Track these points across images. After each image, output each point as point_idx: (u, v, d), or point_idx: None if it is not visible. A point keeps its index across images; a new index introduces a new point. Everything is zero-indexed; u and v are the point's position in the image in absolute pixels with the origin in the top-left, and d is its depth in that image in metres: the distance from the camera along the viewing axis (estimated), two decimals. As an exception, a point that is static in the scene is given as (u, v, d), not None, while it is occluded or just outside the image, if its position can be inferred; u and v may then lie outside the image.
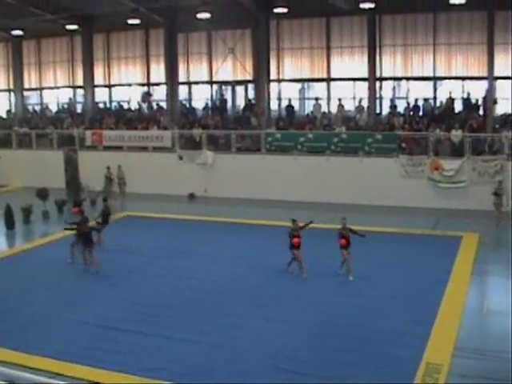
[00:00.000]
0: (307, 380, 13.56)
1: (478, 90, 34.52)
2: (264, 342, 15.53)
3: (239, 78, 40.33)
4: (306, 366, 14.20)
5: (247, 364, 14.33)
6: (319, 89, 39.15)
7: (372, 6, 32.44)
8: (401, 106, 36.18)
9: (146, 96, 43.04)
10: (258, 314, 17.42)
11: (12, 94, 47.68)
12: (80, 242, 22.13)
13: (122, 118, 41.55)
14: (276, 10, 35.24)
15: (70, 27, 40.83)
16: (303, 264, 20.69)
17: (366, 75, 36.33)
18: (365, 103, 36.73)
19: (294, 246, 20.84)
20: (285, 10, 34.89)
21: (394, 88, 37.42)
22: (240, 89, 41.30)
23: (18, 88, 47.00)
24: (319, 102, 38.33)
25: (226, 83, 41.19)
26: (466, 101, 34.45)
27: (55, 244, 24.55)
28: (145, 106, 43.13)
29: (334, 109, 37.86)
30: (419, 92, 36.18)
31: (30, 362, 14.02)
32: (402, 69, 36.12)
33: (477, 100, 34.22)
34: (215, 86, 41.85)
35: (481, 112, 33.94)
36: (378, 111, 36.78)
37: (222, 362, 14.44)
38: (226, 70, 40.44)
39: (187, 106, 42.38)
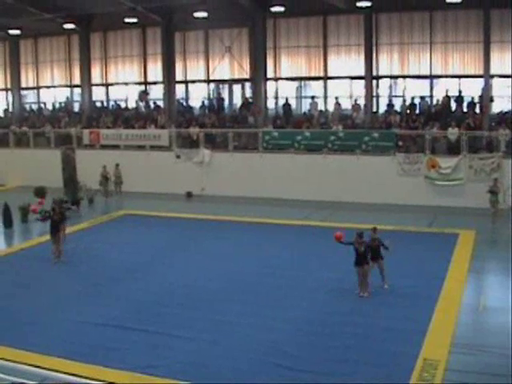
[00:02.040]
0: (303, 376, 13.62)
1: (474, 89, 34.57)
2: (260, 338, 15.61)
3: (236, 76, 40.36)
4: (302, 362, 14.27)
5: (244, 361, 14.40)
6: (316, 87, 39.19)
7: (369, 4, 32.58)
8: (397, 104, 36.25)
9: (143, 95, 43.05)
10: (254, 311, 17.51)
11: (9, 92, 47.69)
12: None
13: (119, 116, 41.58)
14: (273, 9, 35.33)
15: (67, 26, 40.89)
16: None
17: (362, 73, 36.33)
18: (361, 101, 36.78)
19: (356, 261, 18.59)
20: (282, 9, 35.00)
21: (390, 86, 37.47)
22: (237, 87, 41.36)
23: (16, 87, 47.00)
24: (316, 100, 38.40)
25: (223, 82, 41.23)
26: (459, 98, 34.51)
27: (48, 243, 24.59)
28: (142, 104, 43.18)
29: (330, 107, 37.91)
30: (416, 90, 36.24)
31: (28, 359, 14.06)
32: (399, 67, 36.16)
33: (473, 98, 34.29)
34: (212, 85, 41.88)
35: (477, 110, 33.98)
36: (374, 109, 36.82)
37: (219, 358, 14.51)
38: (223, 68, 40.47)
39: (184, 104, 42.42)
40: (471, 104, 34.07)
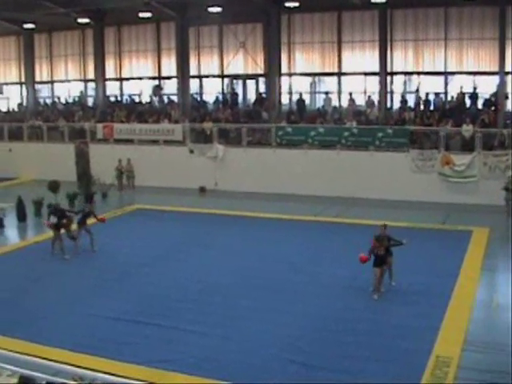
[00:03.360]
0: (316, 372, 13.64)
1: (489, 86, 34.42)
2: (273, 334, 15.63)
3: (250, 71, 40.32)
4: (315, 358, 14.28)
5: (257, 356, 14.43)
6: (330, 83, 39.11)
7: (383, 0, 32.42)
8: (411, 101, 36.13)
9: (157, 89, 43.07)
10: (267, 307, 17.53)
11: (24, 86, 47.80)
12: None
13: (133, 111, 41.58)
14: (287, 4, 35.27)
15: (81, 21, 40.94)
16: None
17: (377, 69, 36.24)
18: (375, 97, 36.69)
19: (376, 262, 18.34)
20: (296, 4, 34.91)
21: (404, 82, 37.36)
22: (251, 83, 41.29)
23: (30, 81, 47.11)
24: (330, 96, 38.34)
25: (237, 77, 41.21)
26: (474, 95, 34.39)
27: (66, 236, 24.60)
28: (156, 99, 43.18)
29: (344, 103, 37.81)
30: (430, 87, 36.10)
31: (41, 352, 14.09)
32: (413, 63, 36.05)
33: (491, 96, 34.07)
34: (226, 80, 41.87)
35: (492, 107, 33.83)
36: (388, 106, 36.74)
37: (232, 353, 14.57)
38: (237, 63, 40.42)
39: (198, 99, 42.38)
40: (487, 101, 33.85)
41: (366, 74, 37.32)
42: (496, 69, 33.61)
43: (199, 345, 15.02)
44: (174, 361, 14.11)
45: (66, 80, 46.61)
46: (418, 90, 36.20)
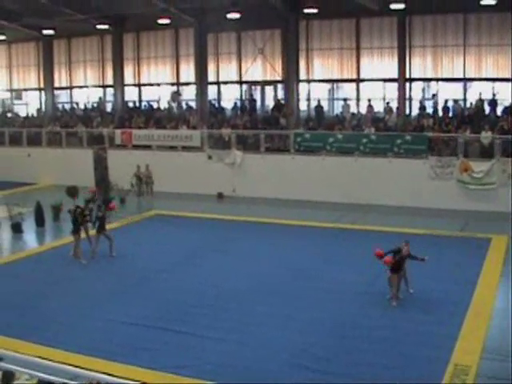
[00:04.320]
0: (331, 379, 13.59)
1: (508, 92, 34.23)
2: (288, 340, 15.63)
3: (268, 78, 40.34)
4: (331, 365, 14.26)
5: (272, 362, 14.41)
6: (348, 89, 39.05)
7: (402, 6, 32.30)
8: (430, 107, 36.00)
9: (176, 95, 43.15)
10: (283, 313, 17.51)
11: (42, 92, 48.05)
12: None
13: (151, 117, 41.71)
14: (306, 11, 35.19)
15: (100, 27, 41.07)
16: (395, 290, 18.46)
17: (395, 76, 36.14)
18: (394, 104, 36.59)
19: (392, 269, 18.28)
20: (315, 11, 34.82)
21: (423, 89, 37.26)
22: (269, 89, 41.32)
23: (49, 87, 47.34)
24: (348, 102, 38.28)
25: (256, 83, 41.24)
26: (492, 102, 34.23)
27: (84, 242, 24.64)
28: (174, 105, 43.24)
29: (363, 109, 37.70)
30: (449, 93, 35.98)
31: (59, 357, 14.11)
32: (432, 70, 35.94)
33: (511, 103, 33.87)
34: (244, 86, 41.92)
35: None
36: (407, 112, 36.63)
37: (248, 360, 14.57)
38: (255, 70, 40.44)
39: (216, 105, 42.42)
40: (507, 108, 33.64)
41: (384, 80, 37.23)
42: (515, 75, 33.45)
43: (215, 351, 15.02)
44: (190, 366, 14.13)
45: (85, 86, 46.81)
46: (434, 96, 36.10)
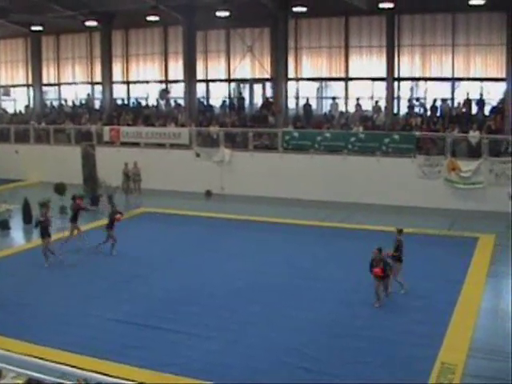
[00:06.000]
0: (321, 378, 13.65)
1: (496, 92, 34.38)
2: (279, 339, 15.66)
3: (257, 76, 40.38)
4: (321, 364, 14.30)
5: (263, 361, 14.46)
6: (337, 88, 39.16)
7: (391, 5, 32.32)
8: (418, 107, 36.10)
9: (164, 93, 43.14)
10: (273, 312, 17.56)
11: (31, 88, 47.89)
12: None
13: (139, 114, 41.67)
14: (295, 9, 35.21)
15: (89, 24, 40.91)
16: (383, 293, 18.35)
17: (384, 75, 36.20)
18: (382, 103, 36.68)
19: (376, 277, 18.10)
20: (304, 9, 34.87)
21: (412, 88, 37.36)
22: (258, 87, 41.35)
23: (37, 83, 47.18)
24: (337, 101, 38.33)
25: (244, 81, 41.26)
26: (480, 101, 34.34)
27: (72, 239, 24.62)
28: (162, 102, 43.21)
29: (351, 108, 37.81)
30: (437, 92, 36.08)
31: (47, 354, 14.12)
32: (421, 69, 36.05)
33: (499, 102, 33.96)
34: (233, 84, 41.94)
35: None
36: (395, 111, 36.72)
37: (238, 358, 14.61)
38: (244, 68, 40.50)
39: (205, 103, 42.43)
40: (495, 108, 33.75)
41: (373, 79, 37.31)
42: (503, 75, 33.52)
43: (205, 349, 15.05)
44: (179, 364, 14.15)
45: (73, 82, 46.77)
46: (418, 99, 36.27)
